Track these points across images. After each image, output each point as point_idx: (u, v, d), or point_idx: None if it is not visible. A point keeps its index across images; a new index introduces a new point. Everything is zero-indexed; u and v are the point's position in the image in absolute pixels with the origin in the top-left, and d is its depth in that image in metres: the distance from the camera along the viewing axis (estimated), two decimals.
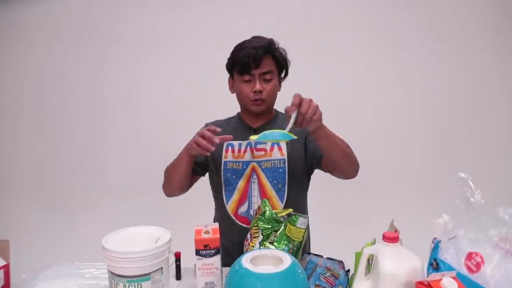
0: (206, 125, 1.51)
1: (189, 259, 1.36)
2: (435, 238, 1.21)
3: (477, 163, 3.10)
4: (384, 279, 0.90)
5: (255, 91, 1.39)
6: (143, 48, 3.20)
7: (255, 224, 1.18)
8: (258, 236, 1.16)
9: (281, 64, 1.46)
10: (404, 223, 1.26)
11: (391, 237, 0.94)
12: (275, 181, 1.42)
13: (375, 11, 3.09)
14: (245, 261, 0.93)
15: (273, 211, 1.18)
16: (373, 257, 0.99)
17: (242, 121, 1.52)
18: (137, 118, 3.25)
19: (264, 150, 1.44)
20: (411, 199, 2.95)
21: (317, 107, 1.15)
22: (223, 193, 1.47)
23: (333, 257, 1.27)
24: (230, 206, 1.46)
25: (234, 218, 1.46)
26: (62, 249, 2.44)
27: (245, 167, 1.44)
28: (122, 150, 3.26)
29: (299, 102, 1.12)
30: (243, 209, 1.44)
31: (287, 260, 0.93)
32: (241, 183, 1.44)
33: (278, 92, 1.50)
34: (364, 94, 3.13)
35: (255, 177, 1.43)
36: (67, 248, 2.38)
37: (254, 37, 1.45)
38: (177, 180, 1.39)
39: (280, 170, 1.43)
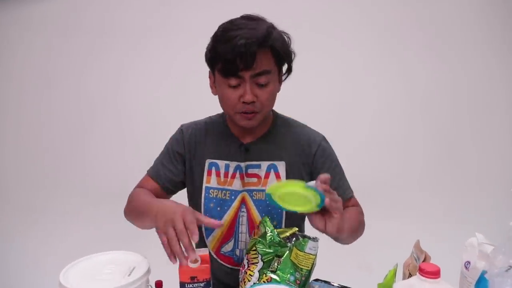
0: (181, 128, 1.18)
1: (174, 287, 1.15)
2: (468, 262, 1.02)
3: (481, 164, 2.96)
4: None
5: (244, 102, 1.01)
6: (131, 43, 2.97)
7: (253, 248, 0.96)
8: (257, 263, 0.94)
9: (283, 59, 1.05)
10: (416, 235, 1.07)
11: (431, 272, 0.73)
12: (269, 218, 1.04)
13: (375, 9, 2.92)
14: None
15: (276, 231, 0.96)
16: None
17: (229, 131, 1.15)
18: (123, 118, 3.01)
19: (257, 177, 1.11)
20: (416, 204, 2.78)
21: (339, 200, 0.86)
22: (202, 225, 1.13)
23: (346, 285, 1.06)
24: (210, 242, 1.15)
25: (215, 256, 1.16)
26: (39, 255, 2.20)
27: (233, 197, 1.11)
28: (106, 152, 3.02)
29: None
30: (227, 248, 1.14)
31: None
32: (226, 218, 1.11)
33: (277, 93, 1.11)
34: (365, 94, 2.96)
35: (244, 209, 1.11)
36: (45, 254, 2.14)
37: (244, 19, 1.02)
38: (141, 226, 1.05)
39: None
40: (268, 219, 0.98)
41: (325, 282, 1.05)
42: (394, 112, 2.99)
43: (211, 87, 1.11)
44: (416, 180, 2.97)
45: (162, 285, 1.06)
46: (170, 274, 1.18)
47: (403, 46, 2.95)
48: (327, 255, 1.07)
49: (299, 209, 0.82)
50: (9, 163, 3.11)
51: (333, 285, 1.04)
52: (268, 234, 0.95)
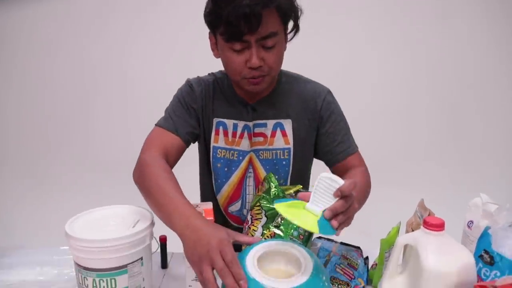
0: (190, 82, 1.12)
1: (177, 243, 1.15)
2: (471, 221, 1.02)
3: (486, 135, 2.93)
4: (427, 278, 0.70)
5: (251, 67, 0.95)
6: (136, 7, 2.86)
7: (257, 204, 0.96)
8: (260, 218, 0.94)
9: (290, 18, 0.99)
10: (420, 198, 1.06)
11: (435, 224, 0.73)
12: (276, 176, 1.06)
13: None
14: (251, 264, 0.69)
15: (280, 188, 0.95)
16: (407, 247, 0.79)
17: (235, 92, 1.11)
18: (128, 87, 2.96)
19: (264, 136, 1.09)
20: (419, 174, 2.77)
21: (356, 209, 0.77)
22: (213, 182, 1.16)
23: (347, 242, 1.07)
24: (220, 200, 1.16)
25: (224, 214, 1.17)
26: (42, 225, 2.22)
27: (241, 158, 1.10)
28: (111, 122, 2.98)
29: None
30: (234, 207, 1.16)
31: (307, 263, 0.70)
32: (233, 179, 1.12)
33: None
34: (368, 61, 2.89)
35: (251, 170, 1.12)
36: (48, 224, 2.16)
37: None
38: (154, 212, 0.91)
39: (284, 162, 1.10)
40: (272, 175, 0.97)
41: (328, 239, 1.06)
42: (398, 79, 2.94)
43: (212, 49, 1.04)
44: (420, 147, 2.95)
45: (166, 240, 1.07)
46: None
47: (408, 13, 2.86)
48: None
49: (300, 224, 0.69)
50: (11, 131, 3.10)
51: (335, 242, 1.05)
52: (272, 190, 0.94)
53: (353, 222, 0.91)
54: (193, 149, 1.19)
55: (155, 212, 0.87)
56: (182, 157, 1.11)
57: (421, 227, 0.75)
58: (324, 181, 0.71)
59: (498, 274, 0.75)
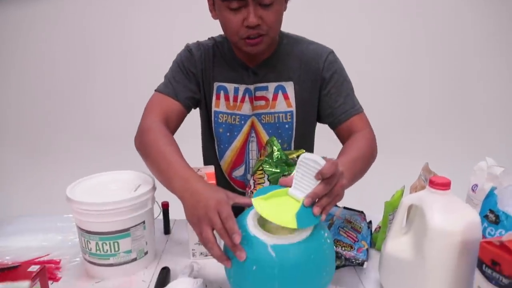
0: (189, 47, 1.09)
1: (179, 210, 1.15)
2: (476, 184, 1.01)
3: (489, 103, 2.90)
4: (432, 236, 0.69)
5: (248, 26, 0.92)
6: None
7: (260, 168, 0.95)
8: (263, 183, 0.93)
9: None
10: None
11: (441, 183, 0.72)
12: (279, 140, 1.05)
13: None
14: (252, 224, 0.68)
15: (283, 151, 0.94)
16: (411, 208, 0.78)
17: (235, 55, 1.08)
18: (129, 53, 2.89)
19: (265, 99, 1.07)
20: (422, 141, 2.75)
21: (344, 186, 0.72)
22: (216, 147, 1.15)
23: (350, 207, 1.07)
24: (223, 166, 1.16)
25: (229, 179, 1.17)
26: (45, 196, 2.23)
27: (243, 122, 1.09)
28: (111, 91, 2.94)
29: (331, 174, 0.67)
30: (238, 172, 1.15)
31: None
32: (236, 143, 1.11)
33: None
34: (368, 30, 2.81)
35: (253, 135, 1.10)
36: (48, 195, 2.17)
37: None
38: (155, 177, 0.88)
39: (286, 126, 1.09)
40: (275, 139, 0.96)
41: None
42: (398, 45, 2.87)
43: (210, 10, 1.02)
44: (422, 114, 2.91)
45: (168, 206, 1.07)
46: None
47: None
48: None
49: (276, 221, 0.66)
50: (11, 101, 3.07)
51: (338, 207, 1.05)
52: (275, 153, 0.93)
53: (356, 187, 0.90)
54: (195, 115, 1.18)
55: (156, 177, 0.86)
56: (184, 124, 1.09)
57: (427, 186, 0.74)
58: (305, 162, 0.69)
59: (503, 232, 0.75)
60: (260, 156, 1.00)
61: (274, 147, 0.94)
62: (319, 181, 0.68)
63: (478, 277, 0.65)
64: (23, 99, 3.03)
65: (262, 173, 0.93)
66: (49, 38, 2.95)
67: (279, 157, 0.92)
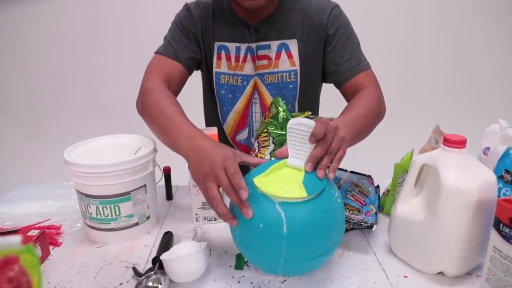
0: (188, 6, 1.05)
1: (182, 177, 1.12)
2: (487, 148, 0.98)
3: (490, 70, 2.83)
4: (446, 196, 0.66)
5: None
6: None
7: (264, 130, 0.91)
8: (268, 146, 0.90)
9: None
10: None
11: (457, 141, 0.68)
12: (283, 101, 0.99)
13: None
14: (260, 182, 0.65)
15: (288, 112, 0.90)
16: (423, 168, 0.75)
17: (235, 13, 1.03)
18: (129, 15, 2.81)
19: (268, 58, 1.02)
20: (428, 111, 2.70)
21: (342, 139, 0.68)
22: (218, 110, 1.12)
23: (357, 171, 1.04)
24: (226, 130, 1.13)
25: (232, 143, 1.14)
26: (45, 169, 2.22)
27: (245, 83, 1.05)
28: (110, 56, 2.87)
29: (323, 134, 0.65)
30: (241, 136, 1.12)
31: (318, 179, 0.66)
32: (239, 105, 1.07)
33: None
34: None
35: (256, 96, 1.06)
36: (50, 167, 2.16)
37: None
38: (160, 140, 0.85)
39: (290, 86, 1.04)
40: (280, 99, 0.92)
41: (338, 168, 1.02)
42: (400, 17, 2.79)
43: None
44: (429, 80, 2.85)
45: (170, 171, 1.04)
46: (178, 161, 1.16)
47: None
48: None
49: (285, 194, 0.62)
50: (11, 75, 3.02)
51: (345, 170, 1.02)
52: (281, 114, 0.89)
53: (363, 152, 0.86)
54: (196, 78, 1.13)
55: (160, 138, 0.83)
56: (185, 87, 1.05)
57: (441, 145, 0.71)
58: (294, 129, 0.66)
59: None
60: (265, 118, 0.96)
61: (280, 108, 0.90)
62: (314, 144, 0.65)
63: (494, 237, 0.62)
64: (22, 67, 2.99)
65: (266, 136, 0.90)
66: (48, 6, 2.88)
67: (285, 118, 0.88)
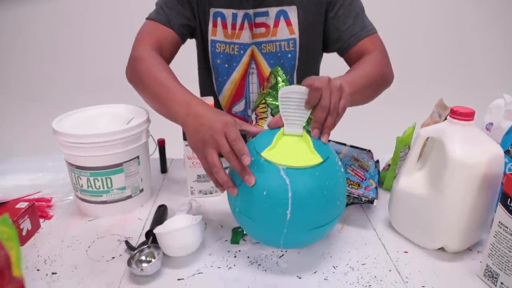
0: None
1: (177, 150, 1.09)
2: (491, 123, 0.95)
3: (491, 46, 2.78)
4: (452, 169, 0.64)
5: None
6: None
7: (263, 101, 0.87)
8: (266, 118, 0.87)
9: None
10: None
11: (465, 113, 0.65)
12: (282, 71, 0.96)
13: None
14: (262, 149, 0.63)
15: (288, 83, 0.86)
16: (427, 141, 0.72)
17: None
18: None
19: (266, 26, 0.97)
20: (424, 89, 2.67)
21: (340, 88, 0.66)
22: (213, 81, 1.06)
23: (357, 145, 1.01)
24: (222, 101, 1.08)
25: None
26: (38, 143, 2.18)
27: (242, 52, 0.99)
28: (103, 33, 2.79)
29: (318, 98, 0.63)
30: (238, 108, 1.07)
31: (321, 148, 0.64)
32: (235, 75, 1.02)
33: None
34: None
35: (253, 65, 1.01)
36: (38, 141, 2.12)
37: None
38: (153, 108, 0.81)
39: (289, 55, 0.99)
40: (279, 69, 0.88)
41: (337, 142, 1.00)
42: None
43: None
44: (428, 61, 2.81)
45: (164, 143, 1.01)
46: (173, 133, 1.12)
47: None
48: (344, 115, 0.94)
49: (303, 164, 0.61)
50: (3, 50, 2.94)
51: (345, 145, 0.99)
52: (280, 84, 0.85)
53: (363, 127, 0.83)
54: (190, 47, 1.07)
55: (153, 106, 0.79)
56: (178, 57, 1.00)
57: (448, 117, 0.68)
58: (287, 97, 0.63)
59: None
60: (263, 89, 0.92)
61: (279, 78, 0.86)
62: (310, 110, 0.63)
63: (500, 212, 0.60)
64: (11, 40, 2.90)
65: (264, 107, 0.86)
66: None
67: None
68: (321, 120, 0.64)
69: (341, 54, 0.98)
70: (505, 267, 0.60)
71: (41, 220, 0.81)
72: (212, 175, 0.65)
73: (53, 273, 0.67)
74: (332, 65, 1.08)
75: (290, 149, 0.63)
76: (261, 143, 0.64)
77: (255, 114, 0.88)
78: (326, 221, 0.62)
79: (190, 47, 1.06)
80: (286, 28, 0.96)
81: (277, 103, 0.85)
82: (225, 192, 0.65)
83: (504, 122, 0.90)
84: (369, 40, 0.93)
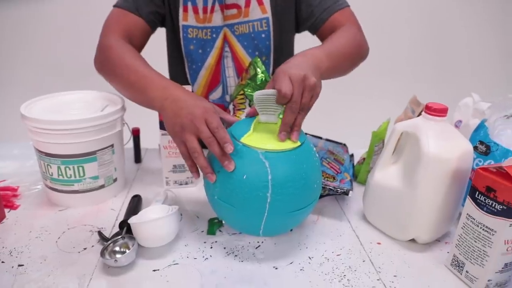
0: None
1: (151, 140, 1.07)
2: (460, 120, 0.99)
3: (463, 46, 2.88)
4: (426, 164, 0.66)
5: None
6: None
7: (241, 92, 0.87)
8: (244, 108, 0.86)
9: None
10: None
11: (439, 109, 0.68)
12: (256, 52, 0.97)
13: None
14: (245, 139, 0.63)
15: (268, 74, 0.86)
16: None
17: None
18: None
19: (237, 7, 0.94)
20: (396, 85, 2.73)
21: (313, 87, 0.65)
22: (187, 69, 1.03)
23: (332, 139, 1.02)
24: (197, 91, 1.05)
25: None
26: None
27: (214, 36, 0.97)
28: (74, 17, 2.68)
29: (289, 97, 0.63)
30: (215, 95, 1.04)
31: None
32: (210, 61, 0.99)
33: None
34: None
35: (227, 49, 0.99)
36: (3, 128, 2.01)
37: None
38: (126, 96, 0.80)
39: (263, 35, 0.97)
40: (259, 60, 0.87)
41: (314, 136, 1.01)
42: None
43: None
44: (402, 58, 2.87)
45: (139, 132, 0.98)
46: (148, 123, 1.10)
47: None
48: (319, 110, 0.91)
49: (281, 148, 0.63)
50: None
51: (321, 138, 1.00)
52: (259, 75, 0.85)
53: (338, 122, 0.84)
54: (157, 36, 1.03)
55: (127, 94, 0.77)
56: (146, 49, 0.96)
57: (423, 113, 0.70)
58: (260, 99, 0.65)
59: (493, 163, 0.73)
60: (242, 80, 0.91)
61: (258, 69, 0.85)
62: (283, 107, 0.65)
63: (468, 205, 0.63)
64: None
65: (243, 98, 0.86)
66: None
67: (263, 79, 0.84)
68: (289, 122, 0.64)
69: (314, 31, 0.97)
70: (470, 256, 0.63)
71: (6, 210, 0.78)
72: (189, 160, 0.65)
73: (19, 265, 0.64)
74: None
75: (267, 135, 0.65)
76: (239, 130, 0.65)
77: (233, 105, 0.88)
78: (304, 205, 0.64)
79: (156, 37, 1.02)
80: (258, 8, 0.95)
81: None
82: (202, 182, 0.65)
83: (472, 120, 0.94)
84: (341, 14, 0.93)
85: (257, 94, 0.64)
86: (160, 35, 1.03)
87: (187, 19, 0.95)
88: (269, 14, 0.95)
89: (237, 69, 0.99)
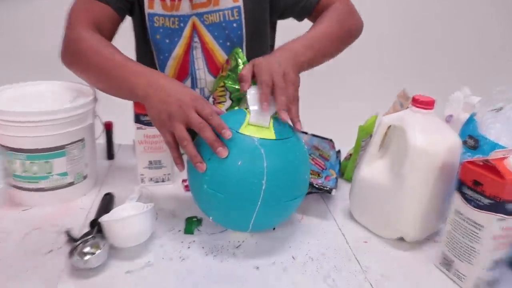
0: None
1: (125, 135, 1.01)
2: (450, 115, 0.98)
3: (452, 40, 2.91)
4: (413, 157, 0.63)
5: None
6: None
7: (221, 84, 0.83)
8: (224, 102, 0.82)
9: None
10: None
11: (426, 102, 0.65)
12: (228, 43, 0.92)
13: None
14: (234, 122, 0.63)
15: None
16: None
17: None
18: None
19: None
20: (384, 82, 2.72)
21: (294, 81, 0.67)
22: (155, 60, 0.96)
23: (318, 134, 0.99)
24: None
25: None
26: None
27: (182, 25, 0.91)
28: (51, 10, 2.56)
29: (267, 93, 0.64)
30: None
31: (286, 127, 0.66)
32: (178, 51, 0.93)
33: None
34: None
35: (196, 39, 0.93)
36: None
37: None
38: (101, 88, 0.76)
39: (234, 25, 0.91)
40: (240, 51, 0.83)
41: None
42: None
43: None
44: (390, 53, 2.87)
45: (112, 127, 0.93)
46: (121, 116, 1.04)
47: None
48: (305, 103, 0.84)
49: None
50: None
51: (306, 133, 0.97)
52: (240, 67, 0.81)
53: (325, 117, 0.81)
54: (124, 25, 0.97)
55: (102, 85, 0.72)
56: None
57: (409, 105, 0.67)
58: (252, 94, 0.65)
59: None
60: (222, 71, 0.87)
61: (239, 60, 0.82)
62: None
63: (457, 199, 0.61)
64: None
65: (223, 90, 0.82)
66: None
67: None
68: (283, 102, 0.63)
69: (304, 16, 0.94)
70: (459, 254, 0.61)
71: None
72: (175, 151, 0.62)
73: None
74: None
75: (260, 127, 0.63)
76: (232, 120, 0.63)
77: (213, 97, 0.84)
78: (295, 195, 0.64)
79: (122, 26, 0.96)
80: None
81: (236, 87, 0.82)
82: (179, 179, 0.61)
83: (463, 114, 0.93)
84: None
85: (251, 90, 0.64)
86: (126, 24, 0.97)
87: (153, 6, 0.90)
88: (240, 3, 0.90)
89: (207, 61, 0.93)
